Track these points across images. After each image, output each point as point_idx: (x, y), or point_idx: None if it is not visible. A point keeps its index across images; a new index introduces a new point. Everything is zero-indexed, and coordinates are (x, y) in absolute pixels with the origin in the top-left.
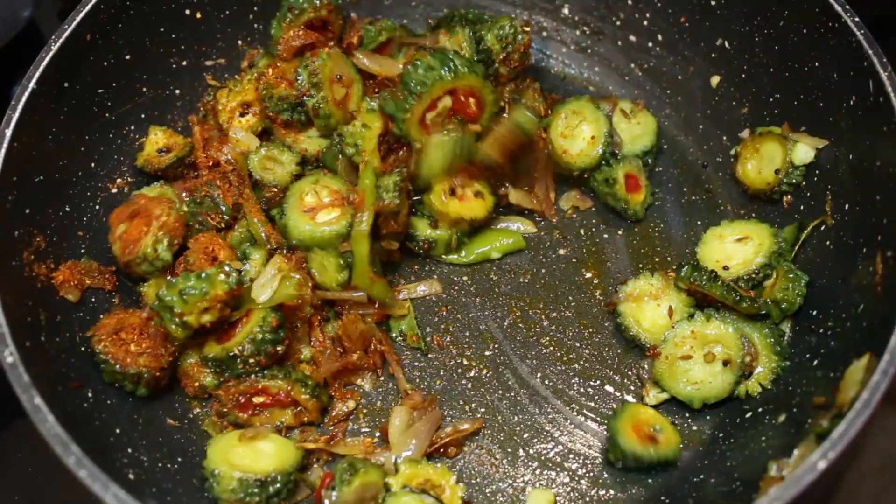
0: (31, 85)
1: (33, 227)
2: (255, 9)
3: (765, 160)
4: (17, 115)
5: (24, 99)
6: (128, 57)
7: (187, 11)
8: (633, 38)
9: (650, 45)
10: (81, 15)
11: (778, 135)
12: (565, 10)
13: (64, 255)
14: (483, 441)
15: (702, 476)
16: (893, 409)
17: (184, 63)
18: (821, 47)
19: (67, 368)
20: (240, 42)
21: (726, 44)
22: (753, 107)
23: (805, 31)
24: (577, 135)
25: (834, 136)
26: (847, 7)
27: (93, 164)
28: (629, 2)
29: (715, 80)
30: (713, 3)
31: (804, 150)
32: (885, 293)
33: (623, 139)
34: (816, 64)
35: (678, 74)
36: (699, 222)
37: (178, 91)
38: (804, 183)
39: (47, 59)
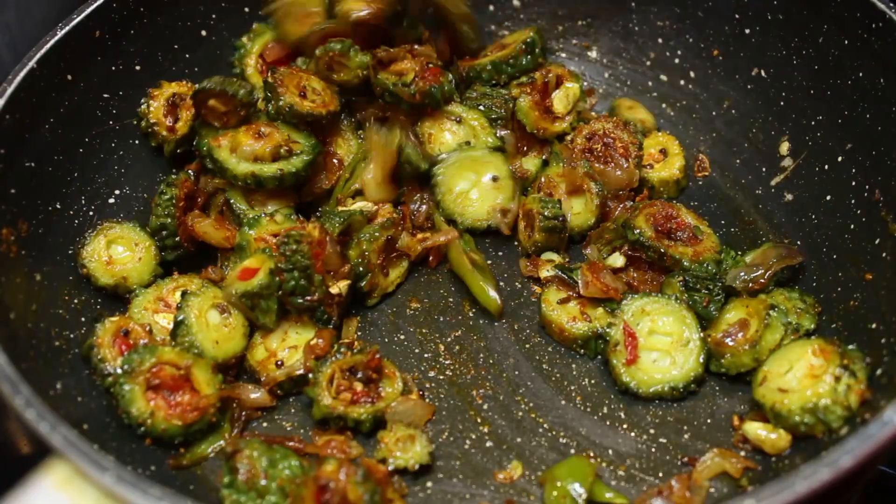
0: (32, 64)
1: (17, 210)
2: None
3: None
4: (11, 88)
5: (21, 75)
6: (138, 67)
7: (203, 32)
8: (664, 77)
9: (682, 83)
10: (91, 8)
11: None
12: (593, 53)
13: (48, 252)
14: None
15: None
16: None
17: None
18: (864, 54)
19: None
20: None
21: (762, 73)
22: (794, 134)
23: (846, 40)
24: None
25: (884, 145)
26: (891, 3)
27: (91, 170)
28: (659, 40)
29: (751, 110)
30: (747, 31)
31: None
32: None
33: None
34: (861, 74)
35: (713, 110)
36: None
37: None
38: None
39: (51, 42)
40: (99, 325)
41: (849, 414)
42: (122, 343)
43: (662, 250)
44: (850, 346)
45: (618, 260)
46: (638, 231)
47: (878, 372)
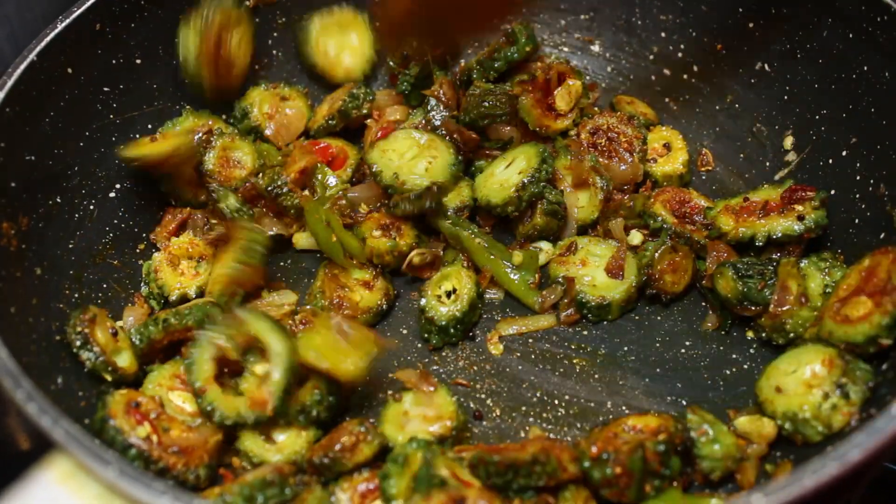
0: (32, 56)
1: (17, 204)
2: (275, 34)
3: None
4: (11, 81)
5: (21, 67)
6: (138, 61)
7: None
8: (667, 71)
9: (685, 77)
10: (92, 0)
11: None
12: (596, 48)
13: (49, 246)
14: None
15: None
16: None
17: None
18: (869, 47)
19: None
20: (256, 66)
21: (766, 67)
22: (798, 128)
23: (851, 34)
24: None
25: (889, 139)
26: None
27: (92, 164)
28: (662, 34)
29: (754, 105)
30: (751, 25)
31: None
32: None
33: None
34: (865, 67)
35: (716, 104)
36: None
37: (188, 107)
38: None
39: (51, 35)
40: (108, 398)
41: (828, 432)
42: (136, 414)
43: (688, 235)
44: (865, 366)
45: (636, 237)
46: (660, 219)
47: (885, 366)
